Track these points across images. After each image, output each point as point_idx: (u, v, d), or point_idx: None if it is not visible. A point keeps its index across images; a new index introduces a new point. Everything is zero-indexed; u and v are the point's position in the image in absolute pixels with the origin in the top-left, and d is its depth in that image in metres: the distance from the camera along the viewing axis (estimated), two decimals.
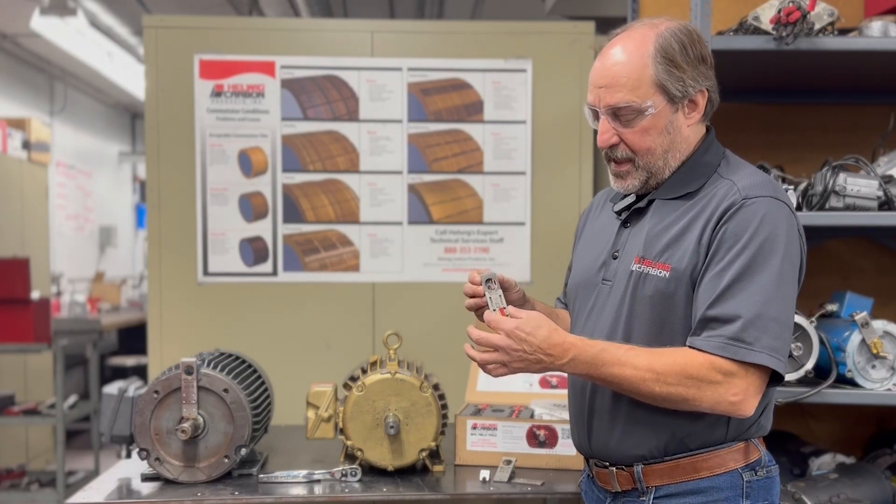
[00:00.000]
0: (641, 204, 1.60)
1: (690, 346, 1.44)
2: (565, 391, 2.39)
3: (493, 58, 3.01)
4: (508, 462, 2.03)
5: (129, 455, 2.22)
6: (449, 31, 3.06)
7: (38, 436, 5.55)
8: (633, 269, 1.54)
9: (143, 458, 1.96)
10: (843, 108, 2.70)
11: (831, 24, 2.14)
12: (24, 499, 4.41)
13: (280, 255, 2.99)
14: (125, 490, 1.96)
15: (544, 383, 2.42)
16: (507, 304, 1.54)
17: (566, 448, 2.06)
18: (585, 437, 1.62)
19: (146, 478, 1.98)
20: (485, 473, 1.98)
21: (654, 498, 1.53)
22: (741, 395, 1.41)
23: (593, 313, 1.62)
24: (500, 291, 1.58)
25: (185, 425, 1.90)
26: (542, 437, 2.08)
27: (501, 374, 1.48)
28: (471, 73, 3.01)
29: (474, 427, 2.11)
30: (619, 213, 1.66)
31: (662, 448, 1.52)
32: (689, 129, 1.56)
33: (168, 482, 1.96)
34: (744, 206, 1.45)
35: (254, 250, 2.99)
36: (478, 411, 2.21)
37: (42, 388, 5.54)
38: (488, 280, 1.59)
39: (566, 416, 2.13)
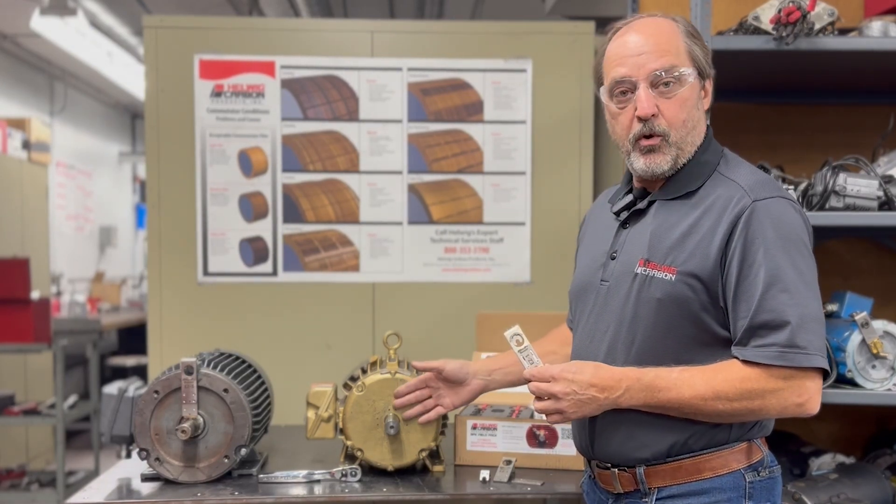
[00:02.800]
0: (641, 205, 1.59)
1: (743, 360, 1.43)
2: None
3: (493, 58, 3.01)
4: (508, 462, 2.03)
5: (129, 455, 2.22)
6: (449, 31, 3.06)
7: (38, 436, 5.55)
8: (638, 271, 1.52)
9: (143, 458, 1.95)
10: (843, 108, 2.70)
11: (831, 24, 2.14)
12: (24, 499, 4.41)
13: (280, 255, 2.99)
14: (125, 490, 1.96)
15: None
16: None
17: (566, 448, 2.06)
18: (587, 440, 1.61)
19: (146, 478, 1.98)
20: (485, 473, 1.98)
21: (656, 499, 1.52)
22: (806, 396, 1.42)
23: (593, 315, 1.61)
24: (530, 345, 1.56)
25: (185, 425, 1.90)
26: (542, 437, 2.08)
27: (560, 422, 1.50)
28: (471, 73, 3.01)
29: (474, 427, 2.11)
30: (617, 213, 1.64)
31: (666, 450, 1.51)
32: (703, 111, 1.57)
33: (168, 482, 1.96)
34: (756, 208, 1.45)
35: (254, 250, 2.99)
36: (478, 411, 2.21)
37: (42, 388, 5.54)
38: (514, 336, 1.56)
39: None
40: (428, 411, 1.89)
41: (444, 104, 3.01)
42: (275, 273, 2.99)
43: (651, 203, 1.58)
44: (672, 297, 1.48)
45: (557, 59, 3.02)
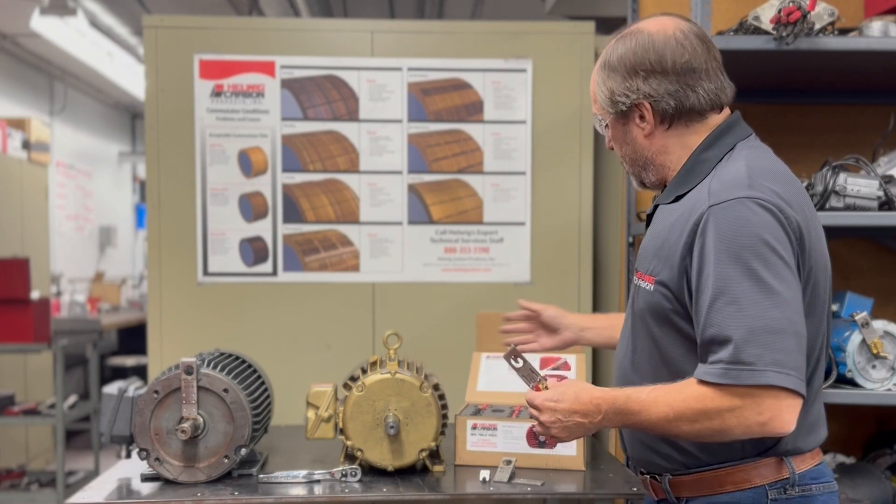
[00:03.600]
0: (649, 210, 1.60)
1: (697, 378, 1.36)
2: None
3: (493, 58, 3.01)
4: (508, 462, 2.03)
5: (129, 455, 2.22)
6: (449, 31, 3.06)
7: (38, 436, 5.55)
8: (634, 280, 1.54)
9: (142, 458, 1.95)
10: (843, 108, 2.70)
11: (831, 24, 2.14)
12: (24, 499, 4.40)
13: (280, 255, 2.99)
14: (125, 490, 1.96)
15: None
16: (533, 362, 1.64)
17: (566, 448, 2.06)
18: (623, 446, 1.64)
19: (146, 478, 1.98)
20: (485, 473, 1.98)
21: None
22: (767, 414, 1.31)
23: (625, 323, 1.63)
24: (527, 364, 1.58)
25: (185, 425, 1.90)
26: (542, 437, 2.08)
27: (556, 444, 1.60)
28: (471, 73, 3.01)
29: (474, 427, 2.11)
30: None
31: (683, 461, 1.49)
32: (648, 139, 1.53)
33: (168, 482, 1.96)
34: (710, 214, 1.36)
35: (254, 250, 2.99)
36: (478, 411, 2.21)
37: (42, 388, 5.54)
38: (511, 356, 1.58)
39: None
40: (527, 344, 2.02)
41: (444, 104, 3.01)
42: (275, 273, 2.99)
43: (657, 208, 1.57)
44: (651, 307, 1.47)
45: (557, 59, 3.02)
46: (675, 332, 1.45)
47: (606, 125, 1.60)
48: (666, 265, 1.43)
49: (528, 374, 1.56)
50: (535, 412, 1.50)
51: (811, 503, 1.46)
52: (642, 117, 1.52)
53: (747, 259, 1.33)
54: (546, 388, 1.52)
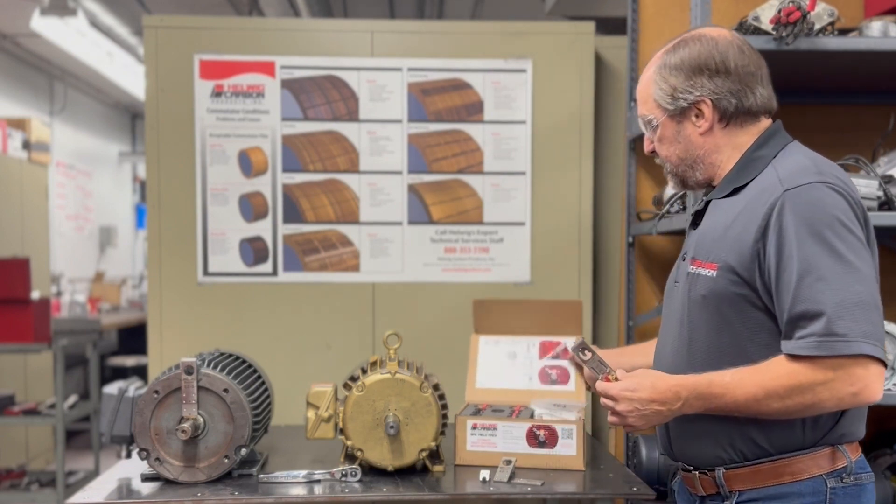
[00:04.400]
0: (699, 206, 1.66)
1: (787, 354, 1.42)
2: (565, 387, 2.40)
3: (493, 58, 3.01)
4: (508, 462, 2.03)
5: (129, 455, 2.22)
6: (449, 31, 3.06)
7: (38, 436, 5.55)
8: (689, 271, 1.58)
9: (143, 458, 1.95)
10: (843, 108, 2.70)
11: (831, 24, 2.14)
12: (24, 499, 4.41)
13: (280, 255, 2.99)
14: (125, 490, 1.96)
15: (543, 377, 2.42)
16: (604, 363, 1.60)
17: (566, 448, 2.06)
18: (667, 442, 1.66)
19: (146, 478, 1.98)
20: (485, 473, 1.98)
21: (737, 502, 1.54)
22: (859, 384, 1.38)
23: (667, 316, 1.68)
24: (597, 355, 1.61)
25: (185, 425, 1.90)
26: (542, 437, 2.08)
27: (632, 432, 1.67)
28: (471, 73, 3.01)
29: (474, 427, 2.11)
30: (693, 214, 1.71)
31: (740, 452, 1.52)
32: (703, 136, 1.61)
33: (168, 482, 1.96)
34: (787, 197, 1.44)
35: (254, 250, 2.99)
36: (478, 411, 2.21)
37: (42, 388, 5.54)
38: (580, 349, 1.60)
39: (566, 415, 2.13)
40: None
41: (444, 104, 3.01)
42: (275, 273, 2.99)
43: (709, 203, 1.63)
44: (715, 294, 1.51)
45: (557, 59, 3.02)
46: (741, 314, 1.49)
47: (656, 125, 1.65)
48: (732, 251, 1.49)
49: (597, 365, 1.60)
50: (609, 402, 1.53)
51: (862, 492, 1.51)
52: (698, 115, 1.60)
53: (828, 237, 1.40)
54: (616, 379, 1.55)
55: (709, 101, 1.58)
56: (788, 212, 1.43)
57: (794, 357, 1.41)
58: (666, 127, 1.64)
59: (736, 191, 1.56)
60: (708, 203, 1.64)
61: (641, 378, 1.52)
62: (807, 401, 1.40)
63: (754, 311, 1.49)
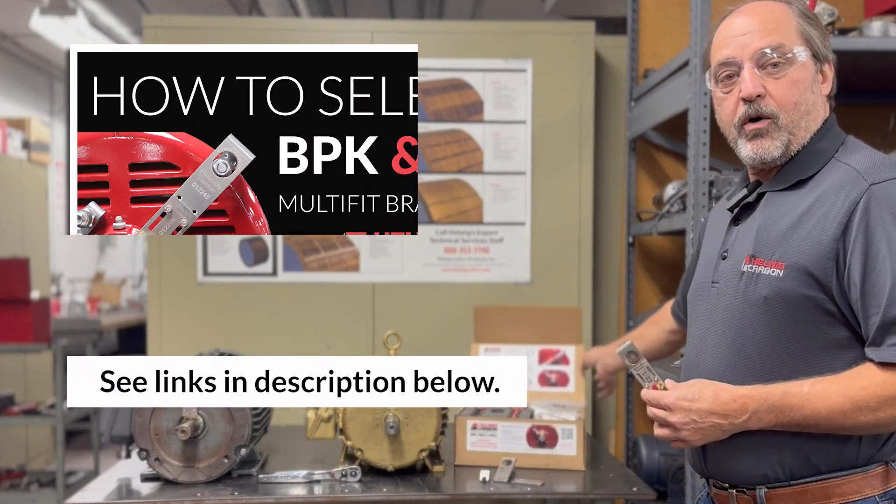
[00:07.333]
0: (751, 198, 1.49)
1: (879, 362, 1.29)
2: (565, 389, 2.40)
3: (493, 58, 3.01)
4: (508, 462, 2.03)
5: (128, 455, 2.22)
6: (449, 31, 3.06)
7: (38, 436, 5.55)
8: (745, 269, 1.41)
9: (142, 459, 1.95)
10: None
11: (831, 24, 2.14)
12: (24, 499, 4.40)
13: (280, 255, 2.99)
14: (125, 490, 1.96)
15: (543, 381, 2.42)
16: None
17: (566, 448, 2.06)
18: (700, 455, 1.49)
19: (146, 478, 1.98)
20: (485, 474, 1.98)
21: None
22: None
23: (704, 320, 1.51)
24: (645, 361, 1.44)
25: (185, 425, 1.90)
26: (542, 437, 2.08)
27: (685, 447, 1.42)
28: (471, 73, 3.00)
29: (474, 427, 2.11)
30: (731, 209, 1.53)
31: (788, 470, 1.38)
32: (822, 99, 1.46)
33: (168, 482, 1.96)
34: (874, 192, 1.31)
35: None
36: (478, 411, 2.21)
37: (42, 388, 5.53)
38: (629, 354, 1.44)
39: (566, 416, 2.13)
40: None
41: (444, 104, 3.01)
42: (275, 273, 2.99)
43: (761, 196, 1.47)
44: (781, 295, 1.36)
45: (557, 59, 3.02)
46: (808, 319, 1.36)
47: (796, 60, 1.41)
48: (804, 249, 1.34)
49: (645, 373, 1.43)
50: (661, 412, 1.37)
51: None
52: (824, 76, 1.45)
53: None
54: (665, 388, 1.39)
55: (832, 65, 1.45)
56: (877, 208, 1.29)
57: (887, 365, 1.27)
58: (808, 69, 1.41)
59: (799, 183, 1.41)
60: (760, 196, 1.47)
61: (702, 387, 1.35)
62: None
63: (823, 315, 1.35)
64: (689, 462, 1.60)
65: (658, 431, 1.39)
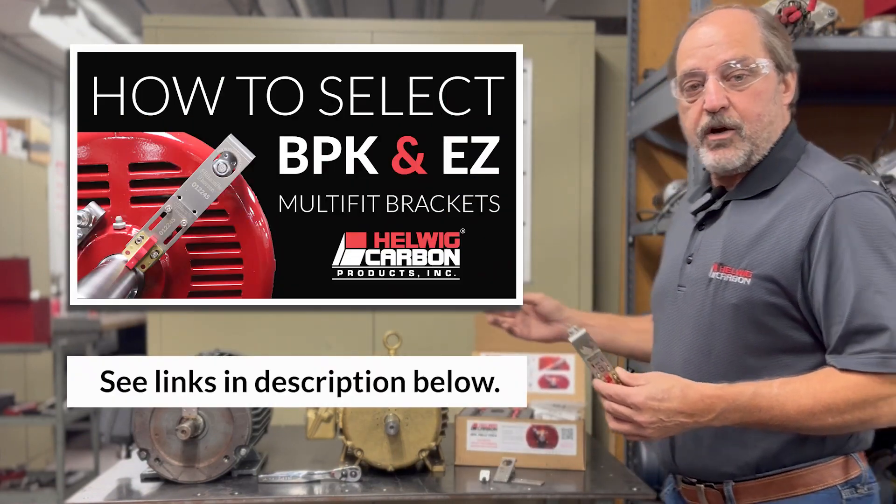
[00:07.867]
0: (716, 206, 1.52)
1: (842, 368, 1.33)
2: (565, 391, 2.40)
3: None
4: (508, 462, 2.03)
5: (128, 455, 2.22)
6: (449, 31, 3.06)
7: (38, 436, 5.55)
8: (713, 276, 1.45)
9: (142, 459, 1.95)
10: (843, 108, 2.70)
11: (831, 24, 2.13)
12: (24, 499, 4.40)
13: None
14: (125, 490, 1.96)
15: (543, 383, 2.43)
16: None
17: (566, 448, 2.06)
18: (668, 452, 1.53)
19: (146, 478, 1.98)
20: (485, 474, 1.98)
21: None
22: None
23: (670, 323, 1.55)
24: (599, 350, 1.39)
25: (185, 425, 1.90)
26: (542, 437, 2.08)
27: (638, 441, 1.44)
28: None
29: (474, 427, 2.11)
30: (695, 213, 1.57)
31: (754, 464, 1.43)
32: (786, 108, 1.49)
33: (168, 482, 1.96)
34: (839, 206, 1.35)
35: None
36: (477, 411, 2.21)
37: (42, 388, 5.53)
38: (585, 343, 1.39)
39: (566, 416, 2.13)
40: (517, 330, 1.84)
41: None
42: None
43: (726, 203, 1.51)
44: (749, 302, 1.40)
45: (557, 59, 3.02)
46: (771, 329, 1.40)
47: (759, 73, 1.44)
48: (771, 259, 1.38)
49: (599, 362, 1.38)
50: (627, 411, 1.33)
51: (873, 501, 1.46)
52: (786, 85, 1.48)
53: (884, 250, 1.34)
54: (618, 378, 1.36)
55: (795, 74, 1.48)
56: (841, 221, 1.34)
57: (849, 371, 1.32)
58: (771, 81, 1.45)
59: (764, 193, 1.45)
60: (725, 204, 1.51)
61: (669, 386, 1.34)
62: (865, 416, 1.33)
63: (787, 320, 1.40)
64: (656, 458, 1.62)
65: (617, 426, 1.36)
